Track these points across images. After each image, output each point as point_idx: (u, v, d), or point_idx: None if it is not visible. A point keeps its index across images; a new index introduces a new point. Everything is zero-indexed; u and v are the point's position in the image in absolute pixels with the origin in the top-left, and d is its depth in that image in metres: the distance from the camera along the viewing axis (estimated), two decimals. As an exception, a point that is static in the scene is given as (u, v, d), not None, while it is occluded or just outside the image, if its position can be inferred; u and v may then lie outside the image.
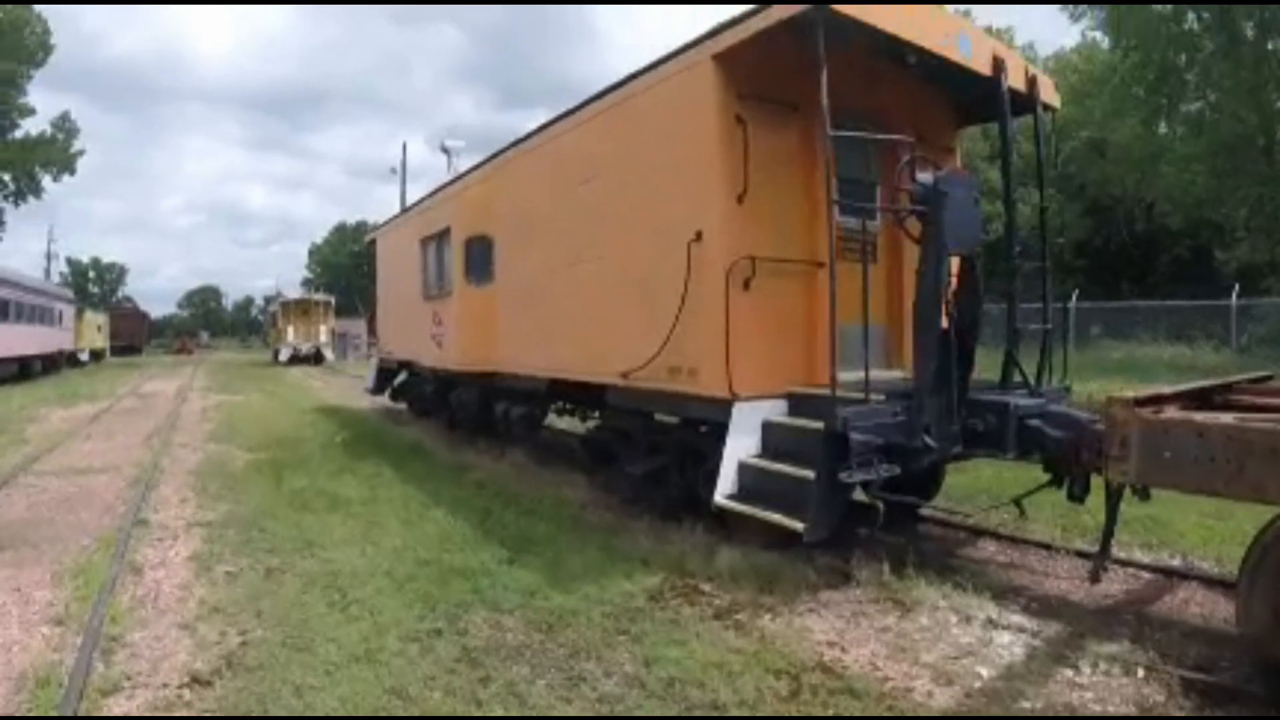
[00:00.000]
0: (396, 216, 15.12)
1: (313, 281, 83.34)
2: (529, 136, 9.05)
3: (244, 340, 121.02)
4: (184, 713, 3.76)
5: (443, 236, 11.23)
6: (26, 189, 35.33)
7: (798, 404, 5.98)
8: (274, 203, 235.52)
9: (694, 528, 6.34)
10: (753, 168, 5.99)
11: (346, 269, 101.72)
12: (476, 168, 10.51)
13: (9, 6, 31.01)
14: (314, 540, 6.51)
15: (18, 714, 3.74)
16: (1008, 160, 6.89)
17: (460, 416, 12.26)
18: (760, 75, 6.13)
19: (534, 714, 3.69)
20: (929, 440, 5.46)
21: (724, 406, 5.85)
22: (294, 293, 49.97)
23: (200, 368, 42.41)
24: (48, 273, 49.67)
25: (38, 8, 32.82)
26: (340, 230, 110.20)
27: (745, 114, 6.03)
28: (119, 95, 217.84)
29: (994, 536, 6.62)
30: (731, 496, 5.71)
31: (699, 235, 6.03)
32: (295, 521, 7.12)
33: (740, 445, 5.80)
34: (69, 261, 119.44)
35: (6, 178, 34.54)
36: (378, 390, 16.53)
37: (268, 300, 48.99)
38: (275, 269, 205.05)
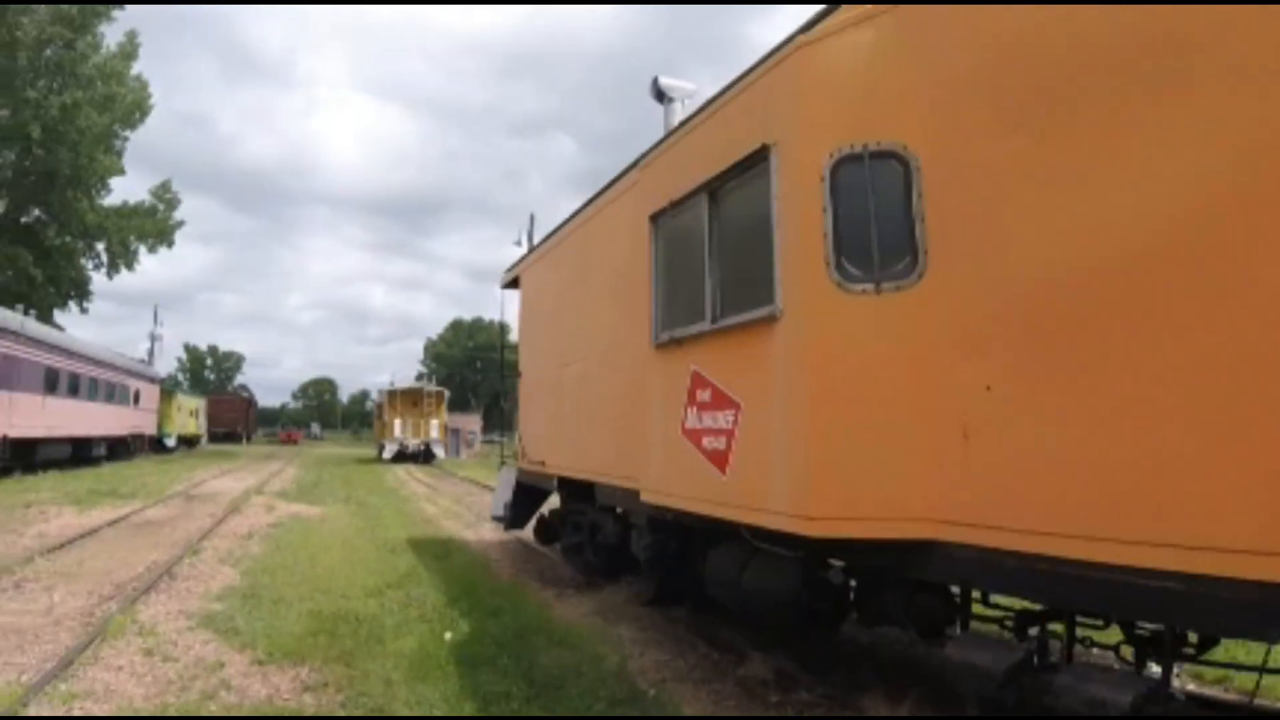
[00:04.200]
0: (576, 213, 8.17)
1: (426, 375, 79.62)
2: None
3: (355, 432, 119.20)
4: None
5: (734, 180, 4.61)
6: (120, 259, 31.72)
7: None
8: (393, 302, 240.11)
9: None
10: None
11: (460, 363, 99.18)
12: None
13: (102, 59, 27.90)
14: None
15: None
16: None
17: (708, 599, 5.58)
18: None
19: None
20: None
21: None
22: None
23: (295, 461, 37.53)
24: (151, 354, 46.63)
25: (136, 68, 29.75)
26: (456, 326, 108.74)
27: None
28: (249, 197, 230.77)
29: None
30: None
31: None
32: None
33: None
34: (186, 347, 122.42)
35: (100, 246, 30.99)
36: (513, 522, 9.86)
37: (380, 392, 44.21)
38: (392, 365, 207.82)
